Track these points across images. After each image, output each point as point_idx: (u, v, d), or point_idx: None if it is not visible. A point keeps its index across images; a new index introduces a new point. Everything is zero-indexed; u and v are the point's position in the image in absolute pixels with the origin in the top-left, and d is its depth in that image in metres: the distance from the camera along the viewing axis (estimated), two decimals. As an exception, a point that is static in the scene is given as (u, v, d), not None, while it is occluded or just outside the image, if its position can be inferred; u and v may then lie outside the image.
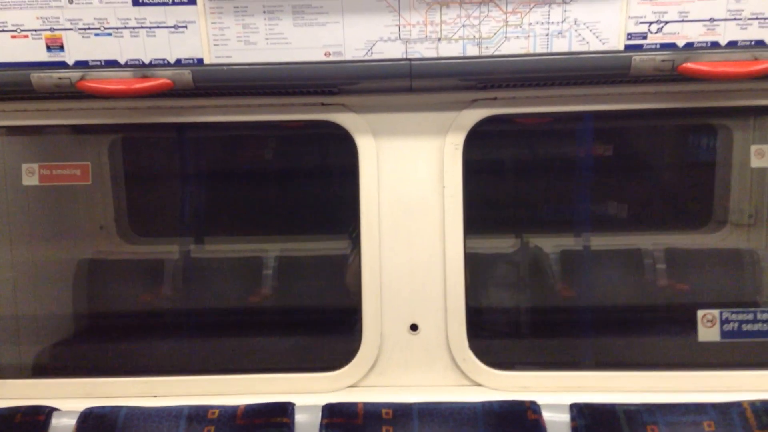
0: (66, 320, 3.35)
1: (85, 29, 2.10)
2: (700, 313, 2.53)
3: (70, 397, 2.50)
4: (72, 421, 2.32)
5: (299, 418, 2.32)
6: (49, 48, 2.12)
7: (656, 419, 2.23)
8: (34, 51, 2.13)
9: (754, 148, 2.65)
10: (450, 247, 2.42)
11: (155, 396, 2.51)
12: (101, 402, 2.39)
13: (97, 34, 2.10)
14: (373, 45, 2.09)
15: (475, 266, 3.00)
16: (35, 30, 2.11)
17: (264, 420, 2.29)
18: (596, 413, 2.26)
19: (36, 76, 2.12)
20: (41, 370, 3.06)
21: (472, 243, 2.57)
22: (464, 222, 2.41)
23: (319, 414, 2.31)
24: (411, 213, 2.43)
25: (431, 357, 2.51)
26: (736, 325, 2.53)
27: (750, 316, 2.53)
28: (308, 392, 2.48)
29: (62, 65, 2.14)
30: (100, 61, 2.13)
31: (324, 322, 3.24)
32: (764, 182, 3.32)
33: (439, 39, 2.08)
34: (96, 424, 2.30)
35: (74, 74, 2.11)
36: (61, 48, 2.12)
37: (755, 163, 2.62)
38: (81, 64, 2.13)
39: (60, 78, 2.12)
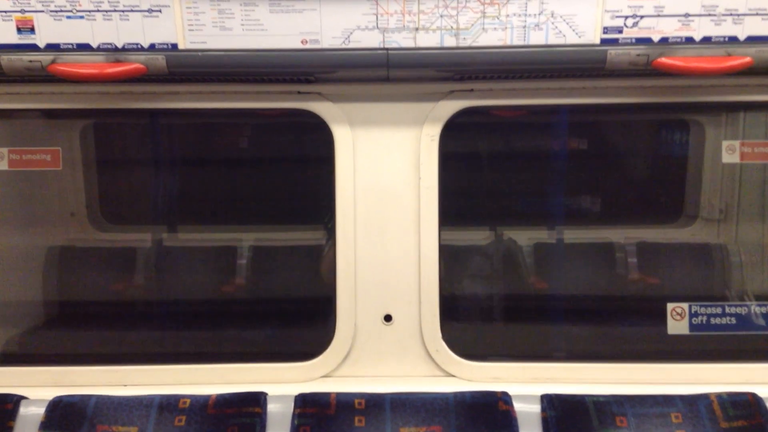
0: (35, 308, 3.30)
1: (56, 11, 2.06)
2: (670, 306, 2.57)
3: (38, 385, 2.46)
4: (41, 410, 2.29)
5: (272, 407, 2.31)
6: (19, 30, 2.08)
7: (625, 410, 2.26)
8: (4, 33, 2.08)
9: (725, 143, 2.68)
10: (425, 239, 2.43)
11: (126, 385, 2.49)
12: (71, 391, 2.36)
13: (69, 17, 2.06)
14: (351, 33, 2.08)
15: (449, 258, 3.01)
16: (5, 11, 2.06)
17: (236, 410, 2.28)
18: (566, 404, 2.29)
19: (6, 59, 2.08)
20: (9, 358, 3.01)
21: (447, 235, 2.58)
22: (439, 214, 2.42)
23: (292, 404, 2.30)
24: (386, 204, 2.43)
25: (404, 348, 2.52)
26: (705, 318, 2.57)
27: (718, 310, 2.57)
28: (281, 382, 2.47)
29: (33, 48, 2.09)
30: (71, 44, 2.09)
31: (298, 313, 3.23)
32: (735, 178, 3.37)
33: (417, 29, 2.07)
34: (65, 412, 2.27)
35: (45, 57, 2.08)
36: (32, 30, 2.08)
37: (726, 158, 2.66)
38: (52, 47, 2.09)
39: (31, 61, 2.08)
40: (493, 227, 3.57)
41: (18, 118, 2.86)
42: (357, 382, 2.48)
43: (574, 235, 3.61)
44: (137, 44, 2.09)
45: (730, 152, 2.66)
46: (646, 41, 2.07)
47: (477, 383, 2.46)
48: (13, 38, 2.09)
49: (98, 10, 2.05)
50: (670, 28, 2.06)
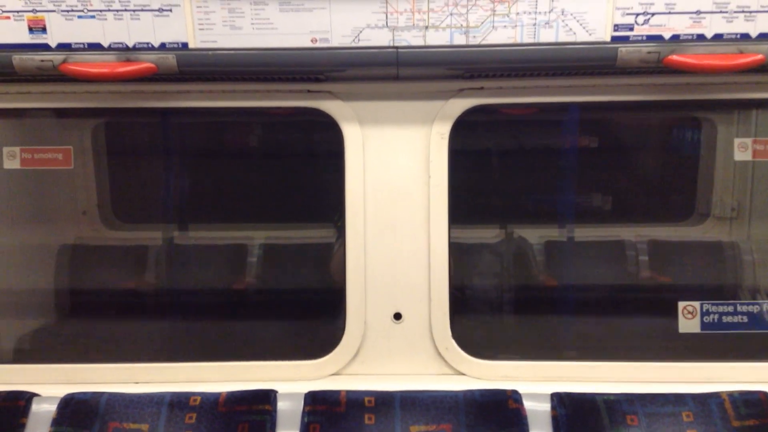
0: (47, 306, 3.32)
1: (68, 11, 2.07)
2: (681, 304, 2.55)
3: (51, 382, 2.48)
4: (52, 407, 2.30)
5: (281, 405, 2.32)
6: (31, 30, 2.09)
7: (636, 409, 2.25)
8: (16, 33, 2.09)
9: (737, 141, 2.66)
10: (435, 237, 2.42)
11: (137, 382, 2.50)
12: (82, 388, 2.37)
13: (80, 17, 2.08)
14: (360, 32, 2.08)
15: (459, 256, 3.00)
16: (17, 11, 2.08)
17: (246, 407, 2.29)
18: (576, 403, 2.28)
19: (18, 59, 2.09)
20: (22, 355, 3.03)
21: (457, 233, 2.57)
22: (449, 212, 2.41)
23: (302, 401, 2.31)
24: (396, 202, 2.42)
25: (414, 346, 2.52)
26: (716, 317, 2.55)
27: (730, 309, 2.56)
28: (291, 380, 2.48)
29: (45, 47, 2.11)
30: (83, 43, 2.10)
31: (308, 311, 3.24)
32: (747, 175, 3.35)
33: (427, 27, 2.07)
34: (77, 409, 2.28)
35: (57, 57, 2.09)
36: (44, 30, 2.09)
37: (738, 156, 2.64)
38: (64, 47, 2.10)
39: (42, 60, 2.09)
40: (504, 225, 3.56)
41: (30, 117, 2.87)
42: (367, 380, 2.49)
43: (584, 233, 3.60)
44: (148, 43, 2.10)
45: (743, 150, 2.64)
46: (657, 38, 2.06)
47: (487, 381, 2.46)
48: (25, 38, 2.10)
49: (109, 10, 2.06)
50: (681, 26, 2.05)
